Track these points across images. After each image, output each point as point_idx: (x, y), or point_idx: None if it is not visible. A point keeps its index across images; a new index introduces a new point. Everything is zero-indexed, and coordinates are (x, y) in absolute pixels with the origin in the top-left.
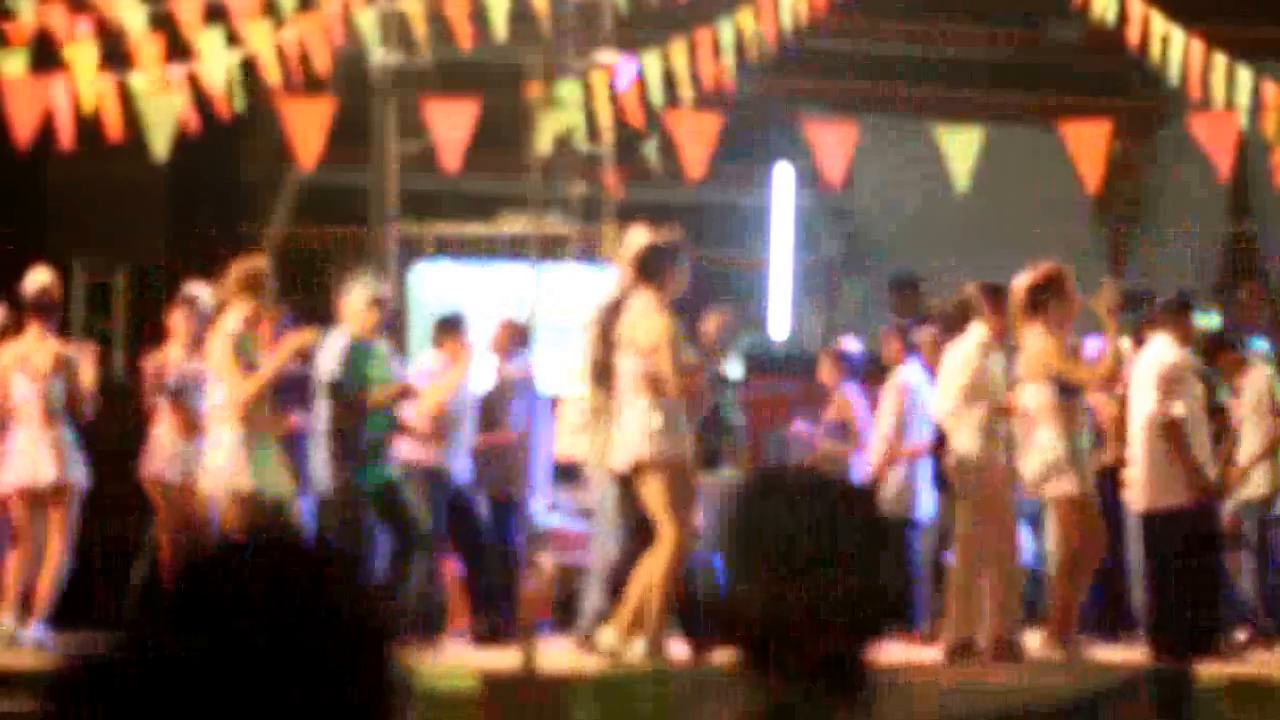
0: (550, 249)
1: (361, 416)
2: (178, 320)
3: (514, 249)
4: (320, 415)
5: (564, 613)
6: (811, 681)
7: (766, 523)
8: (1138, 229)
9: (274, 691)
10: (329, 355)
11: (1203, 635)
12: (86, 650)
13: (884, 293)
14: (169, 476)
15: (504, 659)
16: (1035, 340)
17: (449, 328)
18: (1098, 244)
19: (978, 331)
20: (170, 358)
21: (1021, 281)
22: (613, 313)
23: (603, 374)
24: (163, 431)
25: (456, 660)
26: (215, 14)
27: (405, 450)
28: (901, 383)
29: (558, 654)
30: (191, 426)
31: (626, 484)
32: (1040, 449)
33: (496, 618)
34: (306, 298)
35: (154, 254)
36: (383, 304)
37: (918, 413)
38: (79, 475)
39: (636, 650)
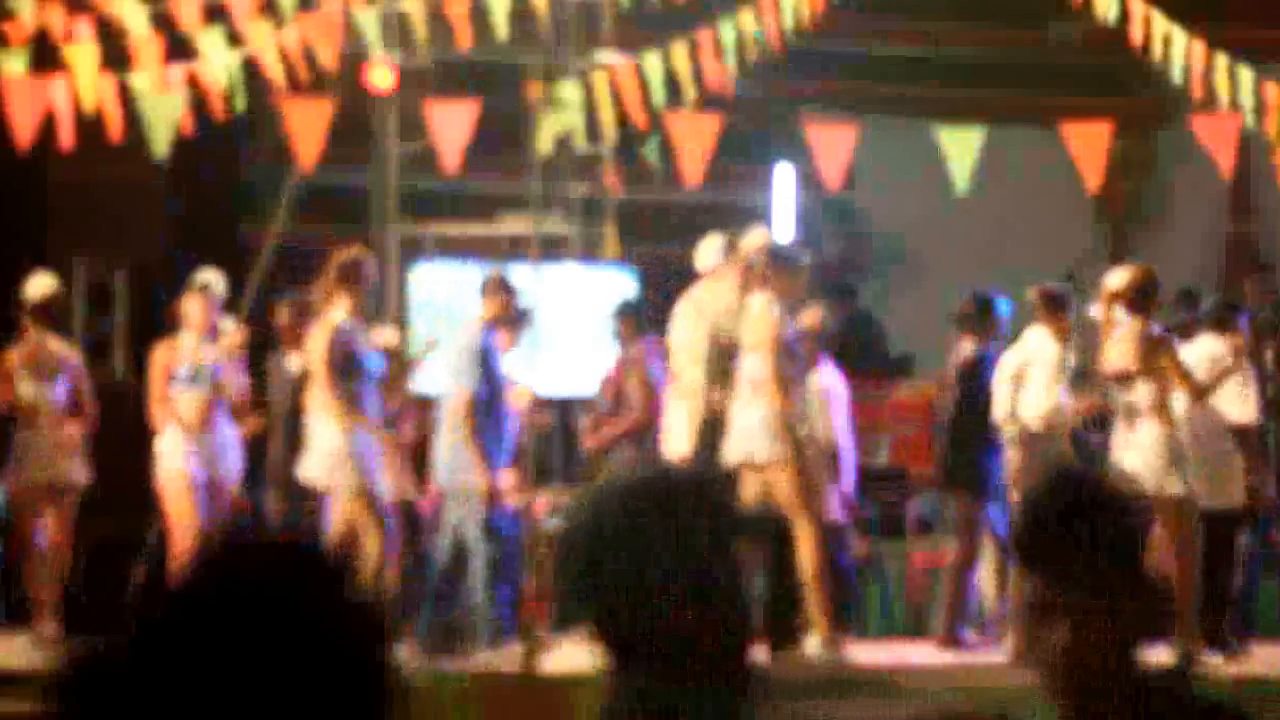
0: (550, 249)
1: (498, 415)
2: (191, 308)
3: (514, 249)
4: (448, 413)
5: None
6: (687, 682)
7: (620, 532)
8: (1138, 229)
9: (273, 692)
10: (456, 351)
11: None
12: (88, 651)
13: (886, 293)
14: (192, 472)
15: (504, 659)
16: (1144, 338)
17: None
18: (1098, 244)
19: (1046, 338)
20: (184, 347)
21: (1122, 279)
22: (730, 315)
23: (718, 375)
24: (175, 426)
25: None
26: (216, 14)
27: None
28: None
29: (558, 654)
30: (206, 419)
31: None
32: (1151, 447)
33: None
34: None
35: (154, 254)
36: (512, 294)
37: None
38: (80, 475)
39: (812, 647)
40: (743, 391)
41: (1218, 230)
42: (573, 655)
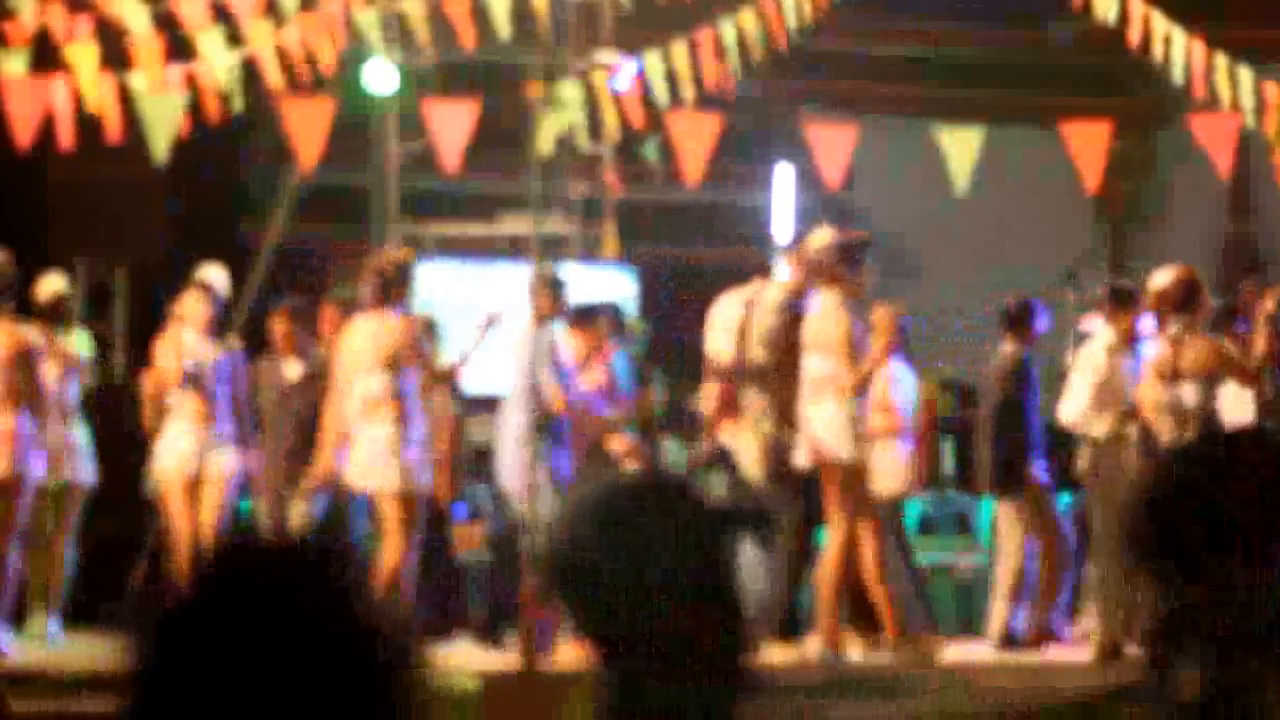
0: (550, 249)
1: (561, 411)
2: (193, 306)
3: (514, 249)
4: (513, 410)
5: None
6: (685, 682)
7: (617, 533)
8: (1137, 229)
9: (278, 695)
10: (521, 346)
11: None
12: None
13: (885, 293)
14: (189, 469)
15: (504, 659)
16: (1195, 338)
17: (585, 318)
18: (1097, 244)
19: (1105, 333)
20: (186, 344)
21: (1166, 281)
22: (785, 312)
23: (764, 375)
24: (179, 423)
25: (456, 660)
26: (217, 14)
27: None
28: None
29: (558, 653)
30: (209, 415)
31: (797, 482)
32: None
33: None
34: (306, 298)
35: (154, 254)
36: (561, 288)
37: None
38: (87, 475)
39: (812, 649)
40: (807, 391)
41: (1217, 230)
42: (573, 654)
